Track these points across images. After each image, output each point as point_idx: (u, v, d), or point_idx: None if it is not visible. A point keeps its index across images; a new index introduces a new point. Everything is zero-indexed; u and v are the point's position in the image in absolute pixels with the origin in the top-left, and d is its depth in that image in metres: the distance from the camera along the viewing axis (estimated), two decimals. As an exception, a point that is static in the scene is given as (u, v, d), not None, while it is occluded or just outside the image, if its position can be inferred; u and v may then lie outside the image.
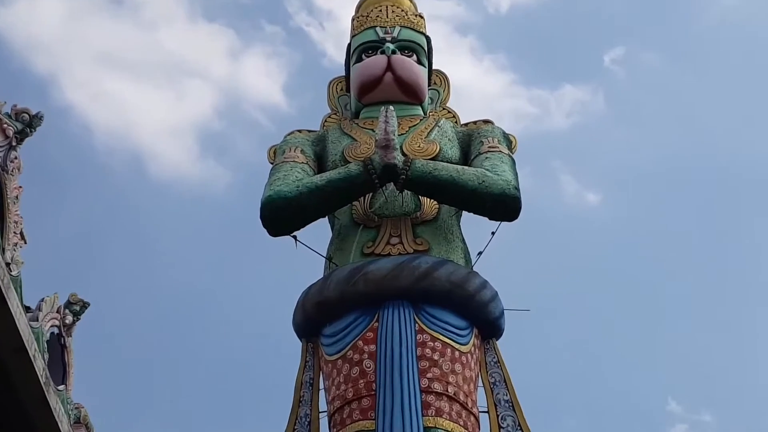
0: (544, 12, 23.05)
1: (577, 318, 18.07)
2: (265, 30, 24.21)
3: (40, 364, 8.18)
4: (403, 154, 5.85)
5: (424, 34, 6.96)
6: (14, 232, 8.50)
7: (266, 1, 24.15)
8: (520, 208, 5.83)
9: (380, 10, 6.96)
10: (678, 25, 23.02)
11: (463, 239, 6.07)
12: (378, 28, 6.83)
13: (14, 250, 8.37)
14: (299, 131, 6.62)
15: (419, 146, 6.18)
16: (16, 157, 8.78)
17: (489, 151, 6.12)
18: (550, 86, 24.89)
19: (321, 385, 5.67)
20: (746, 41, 21.80)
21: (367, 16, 6.96)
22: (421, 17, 7.05)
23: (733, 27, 22.25)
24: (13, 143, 8.76)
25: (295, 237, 5.83)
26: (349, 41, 7.01)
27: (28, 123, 8.90)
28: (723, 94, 21.28)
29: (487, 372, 5.67)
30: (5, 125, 8.74)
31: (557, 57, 22.57)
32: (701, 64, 22.49)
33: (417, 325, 5.45)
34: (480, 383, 5.63)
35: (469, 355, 5.53)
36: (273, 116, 21.89)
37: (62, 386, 8.91)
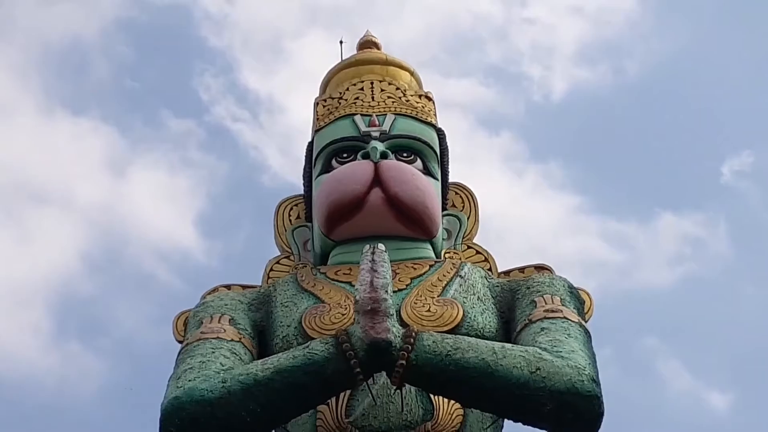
0: (617, 97, 17.34)
1: None
2: (169, 128, 17.41)
3: None
4: (402, 323, 4.21)
5: (433, 125, 5.10)
6: None
7: (165, 84, 16.98)
8: (602, 413, 4.13)
9: (361, 88, 5.08)
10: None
11: (507, 469, 4.39)
12: (359, 117, 5.00)
13: None
14: (227, 287, 4.84)
15: (429, 310, 4.48)
16: None
17: (546, 318, 4.50)
18: (638, 215, 19.19)
19: None
20: None
21: (341, 97, 5.10)
22: (429, 98, 5.16)
23: None
24: None
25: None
26: (311, 138, 5.16)
27: None
28: None
29: None
30: None
31: (646, 166, 18.11)
32: None
33: None
34: None
35: None
36: (179, 267, 15.91)
37: None
